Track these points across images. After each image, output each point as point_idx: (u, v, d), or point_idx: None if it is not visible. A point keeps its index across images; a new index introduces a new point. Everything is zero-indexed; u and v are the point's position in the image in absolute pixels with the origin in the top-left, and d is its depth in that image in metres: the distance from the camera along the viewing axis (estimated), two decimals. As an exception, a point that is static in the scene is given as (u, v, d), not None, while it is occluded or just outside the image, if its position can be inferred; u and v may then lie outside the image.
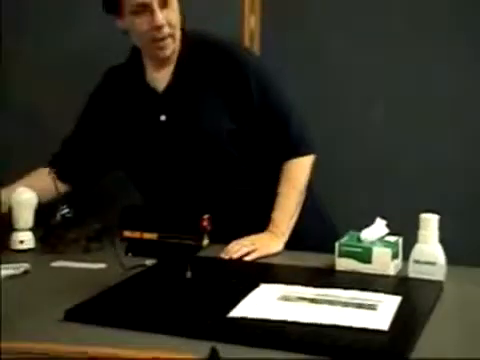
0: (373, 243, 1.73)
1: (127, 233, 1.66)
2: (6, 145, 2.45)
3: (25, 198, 1.98)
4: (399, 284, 1.67)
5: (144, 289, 1.60)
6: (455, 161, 2.43)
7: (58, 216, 2.00)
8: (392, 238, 1.77)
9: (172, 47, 2.00)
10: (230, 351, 1.24)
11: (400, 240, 1.77)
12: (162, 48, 1.99)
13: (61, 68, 2.55)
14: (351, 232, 1.80)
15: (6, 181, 2.08)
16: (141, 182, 2.14)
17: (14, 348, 1.26)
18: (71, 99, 2.33)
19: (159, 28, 1.93)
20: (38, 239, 1.98)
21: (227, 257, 1.85)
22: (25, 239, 1.96)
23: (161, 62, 2.04)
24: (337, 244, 1.74)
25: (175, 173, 2.04)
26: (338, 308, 1.43)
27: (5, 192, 2.00)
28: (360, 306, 1.44)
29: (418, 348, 1.30)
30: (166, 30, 1.95)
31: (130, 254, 1.68)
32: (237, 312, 1.42)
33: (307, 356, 1.26)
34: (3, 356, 1.22)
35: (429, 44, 2.41)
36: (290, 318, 1.38)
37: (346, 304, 1.45)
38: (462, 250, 1.95)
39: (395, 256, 1.73)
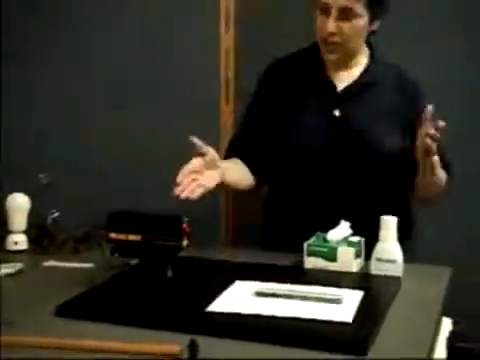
0: (338, 243, 1.73)
1: (113, 235, 1.66)
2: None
3: (19, 202, 1.96)
4: (362, 280, 1.67)
5: (129, 287, 1.59)
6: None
7: (49, 219, 1.99)
8: (355, 238, 1.76)
9: (340, 55, 1.93)
10: (208, 343, 1.24)
11: (362, 240, 1.77)
12: (329, 51, 1.93)
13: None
14: (318, 233, 1.80)
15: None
16: (286, 171, 2.01)
17: (7, 341, 1.25)
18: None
19: (329, 34, 1.87)
20: (31, 241, 1.97)
21: None
22: (19, 240, 1.95)
23: (340, 64, 1.97)
24: (305, 244, 1.74)
25: (326, 163, 1.93)
26: (307, 302, 1.43)
27: (224, 164, 1.85)
28: (326, 300, 1.44)
29: (379, 338, 1.30)
30: (336, 38, 1.88)
31: (116, 254, 1.67)
32: (214, 307, 1.42)
33: (279, 347, 1.26)
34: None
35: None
36: (263, 312, 1.38)
37: (314, 299, 1.45)
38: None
39: (358, 255, 1.73)
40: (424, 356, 1.27)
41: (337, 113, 1.94)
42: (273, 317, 1.36)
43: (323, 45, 1.93)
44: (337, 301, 1.44)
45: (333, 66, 1.98)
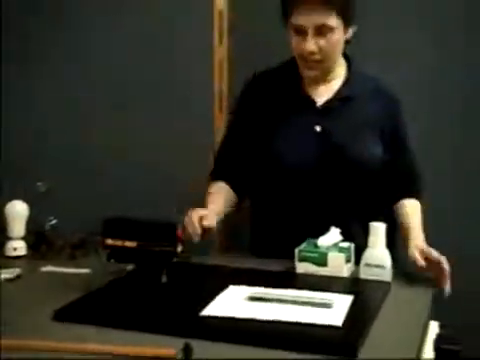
0: (328, 249, 1.74)
1: (109, 241, 1.66)
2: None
3: (18, 210, 1.96)
4: (351, 285, 1.68)
5: (125, 292, 1.59)
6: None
7: (47, 226, 1.99)
8: (345, 244, 1.77)
9: (320, 71, 1.92)
10: (202, 346, 1.24)
11: (352, 246, 1.78)
12: (309, 68, 1.91)
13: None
14: (309, 239, 1.80)
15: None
16: (264, 183, 2.00)
17: (6, 344, 1.25)
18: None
19: (309, 53, 1.86)
20: (29, 247, 1.97)
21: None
22: (18, 246, 1.95)
23: (319, 78, 1.96)
24: (297, 250, 1.75)
25: (309, 180, 1.92)
26: (298, 307, 1.44)
27: (212, 207, 1.90)
28: (317, 305, 1.44)
29: (368, 341, 1.31)
30: (316, 57, 1.87)
31: (112, 260, 1.67)
32: (208, 311, 1.42)
33: (271, 350, 1.26)
34: (-2, 352, 1.22)
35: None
36: (256, 316, 1.38)
37: (305, 303, 1.45)
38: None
39: (348, 260, 1.74)
40: (412, 356, 1.27)
41: (318, 129, 1.93)
42: (265, 321, 1.36)
43: (303, 63, 1.91)
44: (327, 305, 1.44)
45: (312, 81, 1.97)
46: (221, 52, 2.54)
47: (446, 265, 1.68)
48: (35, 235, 1.99)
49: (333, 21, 1.83)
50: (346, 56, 2.01)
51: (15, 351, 1.24)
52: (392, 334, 1.38)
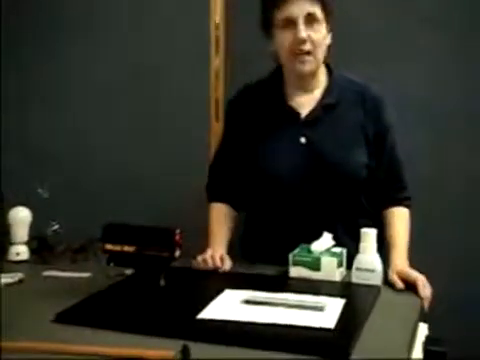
0: (321, 253, 1.74)
1: (109, 246, 1.65)
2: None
3: (21, 216, 1.97)
4: (343, 288, 1.68)
5: (124, 295, 1.59)
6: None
7: (49, 231, 1.99)
8: (338, 249, 1.77)
9: (312, 65, 1.89)
10: (199, 348, 1.24)
11: (344, 251, 1.78)
12: (302, 62, 1.87)
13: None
14: (302, 245, 1.81)
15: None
16: (254, 195, 2.01)
17: (10, 347, 1.25)
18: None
19: (301, 42, 1.84)
20: (32, 251, 1.97)
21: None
22: (21, 251, 1.95)
23: (303, 86, 1.95)
24: (291, 255, 1.75)
25: (298, 190, 1.91)
26: (292, 310, 1.44)
27: (216, 247, 1.92)
28: (310, 308, 1.44)
29: (360, 343, 1.31)
30: (307, 46, 1.85)
31: (111, 264, 1.67)
32: (205, 314, 1.42)
33: (266, 352, 1.26)
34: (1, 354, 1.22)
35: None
36: (251, 319, 1.38)
37: (299, 306, 1.45)
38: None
39: (340, 265, 1.74)
40: (402, 358, 1.28)
41: (303, 140, 1.91)
42: (260, 324, 1.36)
43: (293, 58, 1.88)
44: (320, 308, 1.44)
45: (294, 92, 1.96)
46: (217, 62, 2.55)
47: (422, 286, 1.67)
48: (37, 240, 1.99)
49: (320, 14, 1.86)
50: (327, 65, 2.00)
51: (17, 353, 1.24)
52: (383, 336, 1.38)
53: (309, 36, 1.85)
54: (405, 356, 1.29)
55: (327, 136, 1.92)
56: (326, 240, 1.78)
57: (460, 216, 2.47)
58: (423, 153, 2.44)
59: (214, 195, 2.07)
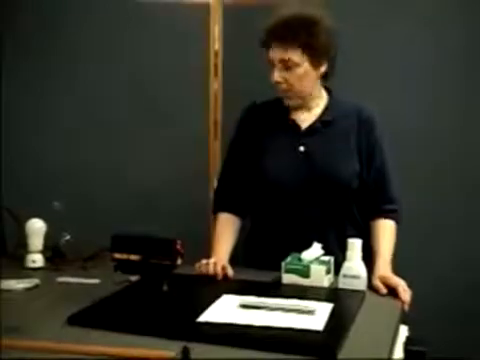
0: (311, 262, 1.74)
1: (116, 255, 1.65)
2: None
3: (37, 227, 1.97)
4: (331, 294, 1.67)
5: (130, 300, 1.59)
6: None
7: (62, 241, 1.99)
8: (326, 258, 1.77)
9: (294, 101, 1.93)
10: (199, 349, 1.24)
11: (332, 259, 1.78)
12: (285, 98, 1.93)
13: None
14: (293, 253, 1.80)
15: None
16: (258, 201, 2.01)
17: (25, 346, 1.26)
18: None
19: (276, 83, 1.88)
20: (47, 259, 1.97)
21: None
22: (36, 259, 1.95)
23: (303, 106, 1.97)
24: (283, 263, 1.75)
25: (299, 195, 1.92)
26: (284, 313, 1.44)
27: (221, 256, 1.90)
28: (301, 311, 1.44)
29: (346, 343, 1.31)
30: (283, 86, 1.89)
31: (119, 272, 1.67)
32: (205, 317, 1.42)
33: (261, 352, 1.26)
34: (17, 353, 1.23)
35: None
36: (247, 322, 1.38)
37: (290, 310, 1.45)
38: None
39: (328, 272, 1.74)
40: (385, 357, 1.28)
41: (302, 149, 1.93)
42: (255, 326, 1.36)
43: (278, 94, 1.94)
44: (310, 312, 1.44)
45: (297, 110, 1.98)
46: (216, 86, 2.56)
47: (403, 291, 1.67)
48: (52, 249, 1.99)
49: (297, 57, 1.85)
50: (328, 90, 2.02)
51: (33, 352, 1.24)
52: (367, 337, 1.38)
53: (285, 78, 1.87)
54: (387, 355, 1.29)
55: (324, 146, 1.93)
56: (315, 250, 1.78)
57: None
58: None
59: (221, 205, 2.05)
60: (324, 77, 1.96)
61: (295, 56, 1.85)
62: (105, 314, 1.47)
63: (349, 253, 1.70)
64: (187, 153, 2.56)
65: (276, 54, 1.86)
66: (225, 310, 1.47)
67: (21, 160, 2.60)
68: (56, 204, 2.13)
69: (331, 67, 1.94)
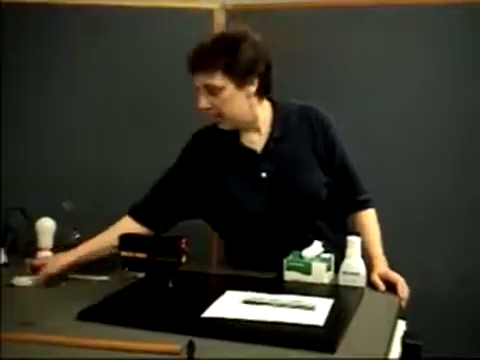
0: (312, 259, 1.74)
1: (124, 253, 1.67)
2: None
3: (47, 225, 1.99)
4: (331, 290, 1.67)
5: (137, 296, 1.60)
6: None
7: (72, 239, 2.00)
8: (327, 255, 1.77)
9: (226, 123, 1.82)
10: (204, 343, 1.24)
11: (332, 257, 1.78)
12: (218, 122, 1.83)
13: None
14: (295, 252, 1.81)
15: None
16: (226, 230, 1.95)
17: (38, 340, 1.28)
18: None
19: (201, 110, 1.78)
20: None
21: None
22: (47, 256, 1.96)
23: (248, 128, 1.87)
24: (285, 260, 1.75)
25: (268, 222, 1.84)
26: (286, 309, 1.44)
27: (94, 242, 1.85)
28: (302, 307, 1.45)
29: (346, 338, 1.32)
30: (212, 112, 1.79)
31: (126, 269, 1.68)
32: (209, 313, 1.42)
33: (263, 346, 1.27)
34: (28, 346, 1.25)
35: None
36: (250, 317, 1.39)
37: (292, 306, 1.46)
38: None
39: (328, 269, 1.74)
40: (383, 351, 1.28)
41: (264, 175, 1.84)
42: (258, 321, 1.37)
43: (211, 119, 1.84)
44: (311, 308, 1.45)
45: (247, 132, 1.87)
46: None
47: (401, 287, 1.67)
48: (62, 247, 1.99)
49: (218, 81, 1.75)
50: (271, 100, 1.90)
51: (44, 345, 1.26)
52: (366, 332, 1.38)
53: (212, 103, 1.78)
54: (385, 349, 1.30)
55: (284, 166, 1.85)
56: (316, 247, 1.79)
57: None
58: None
59: (137, 213, 1.91)
60: (260, 92, 1.83)
61: (216, 80, 1.74)
62: (114, 310, 1.48)
63: (348, 251, 1.70)
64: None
65: (198, 81, 1.77)
66: (229, 306, 1.47)
67: (33, 160, 2.58)
68: (66, 203, 2.14)
69: (264, 82, 1.82)
